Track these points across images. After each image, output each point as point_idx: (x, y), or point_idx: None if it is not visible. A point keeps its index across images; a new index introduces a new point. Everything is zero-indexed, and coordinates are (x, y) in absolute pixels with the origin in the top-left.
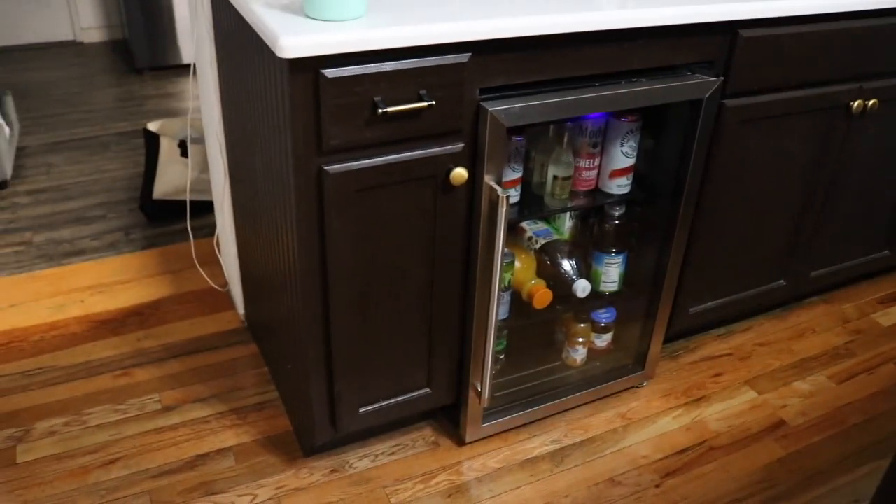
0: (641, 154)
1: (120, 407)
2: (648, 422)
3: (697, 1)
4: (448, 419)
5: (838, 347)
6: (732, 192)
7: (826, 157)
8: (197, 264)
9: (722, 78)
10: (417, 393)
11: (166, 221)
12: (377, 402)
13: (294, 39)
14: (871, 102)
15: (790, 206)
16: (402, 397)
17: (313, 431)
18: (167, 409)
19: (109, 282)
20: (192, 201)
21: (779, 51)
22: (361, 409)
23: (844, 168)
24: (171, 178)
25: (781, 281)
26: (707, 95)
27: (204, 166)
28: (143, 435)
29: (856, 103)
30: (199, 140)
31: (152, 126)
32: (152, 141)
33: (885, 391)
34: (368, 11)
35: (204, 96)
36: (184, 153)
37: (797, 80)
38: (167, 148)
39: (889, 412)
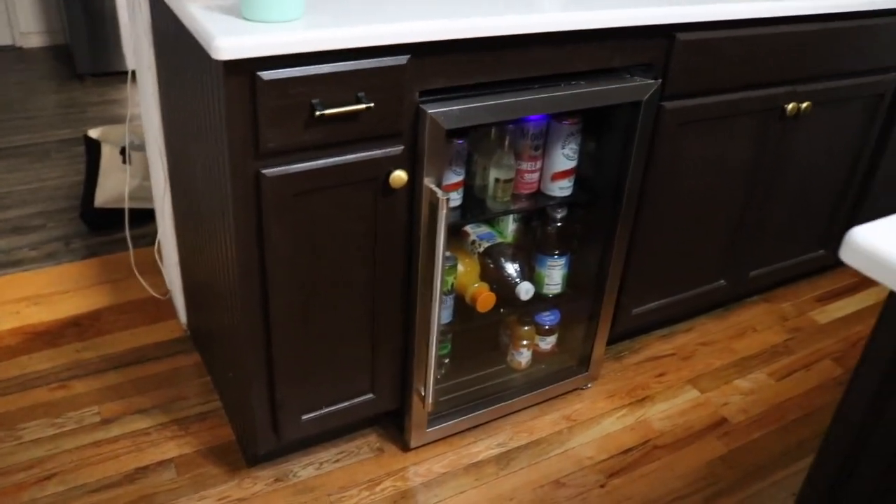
0: (584, 156)
1: (57, 421)
2: (593, 423)
3: (636, 4)
4: (393, 424)
5: (777, 345)
6: (672, 193)
7: (762, 159)
8: (136, 273)
9: (660, 80)
10: (361, 399)
11: (108, 230)
12: (320, 408)
13: (229, 41)
14: (804, 105)
15: (729, 207)
16: (346, 403)
17: (256, 440)
18: (106, 422)
19: (47, 292)
20: (136, 209)
21: (715, 54)
22: (304, 417)
23: (780, 169)
24: (113, 186)
25: (722, 281)
26: (646, 98)
27: (147, 173)
28: (80, 449)
29: (790, 106)
30: (141, 147)
31: (93, 133)
32: (93, 148)
33: (822, 386)
34: (306, 13)
35: (143, 102)
36: (125, 160)
37: (733, 83)
38: (109, 155)
39: (826, 406)
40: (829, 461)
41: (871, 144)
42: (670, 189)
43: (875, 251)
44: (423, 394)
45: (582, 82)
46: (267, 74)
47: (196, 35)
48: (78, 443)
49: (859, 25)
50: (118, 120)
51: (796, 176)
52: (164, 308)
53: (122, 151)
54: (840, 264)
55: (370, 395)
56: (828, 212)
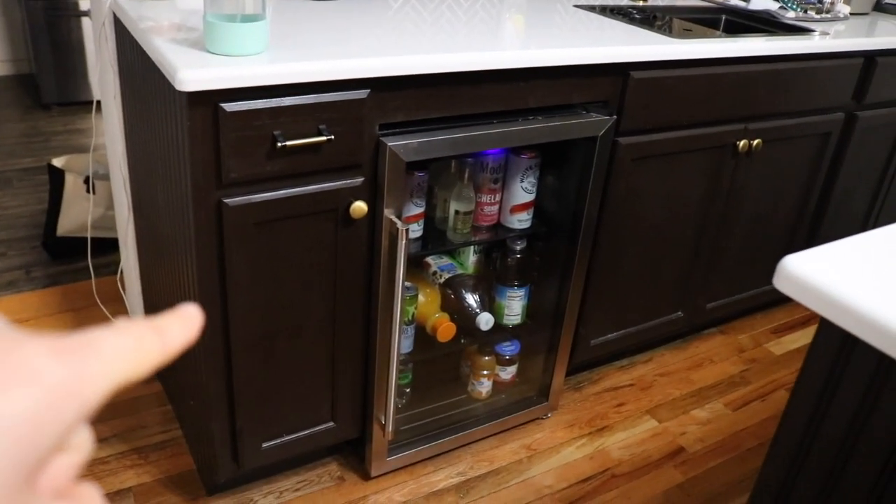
0: (542, 189)
1: None
2: (553, 452)
3: (591, 43)
4: (354, 453)
5: (734, 376)
6: (628, 226)
7: (716, 194)
8: (99, 302)
9: (615, 117)
10: (322, 427)
11: (70, 259)
12: (281, 437)
13: (193, 73)
14: (755, 142)
15: (684, 240)
16: (306, 432)
17: (216, 468)
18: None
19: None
20: (101, 238)
21: (668, 92)
22: (264, 445)
23: (734, 204)
24: (76, 215)
25: (679, 313)
26: (601, 133)
27: (111, 202)
28: None
29: (742, 143)
30: (106, 176)
31: (57, 162)
32: (57, 177)
33: (778, 416)
34: (270, 47)
35: (108, 131)
36: (89, 189)
37: (687, 120)
38: (72, 184)
39: None
40: (764, 493)
41: (820, 180)
42: (626, 222)
43: (804, 278)
44: (383, 422)
45: (539, 117)
46: (230, 106)
47: (161, 67)
48: None
49: (805, 67)
50: (83, 149)
51: (750, 210)
52: None
53: (87, 180)
54: None
55: (331, 424)
56: (782, 245)
